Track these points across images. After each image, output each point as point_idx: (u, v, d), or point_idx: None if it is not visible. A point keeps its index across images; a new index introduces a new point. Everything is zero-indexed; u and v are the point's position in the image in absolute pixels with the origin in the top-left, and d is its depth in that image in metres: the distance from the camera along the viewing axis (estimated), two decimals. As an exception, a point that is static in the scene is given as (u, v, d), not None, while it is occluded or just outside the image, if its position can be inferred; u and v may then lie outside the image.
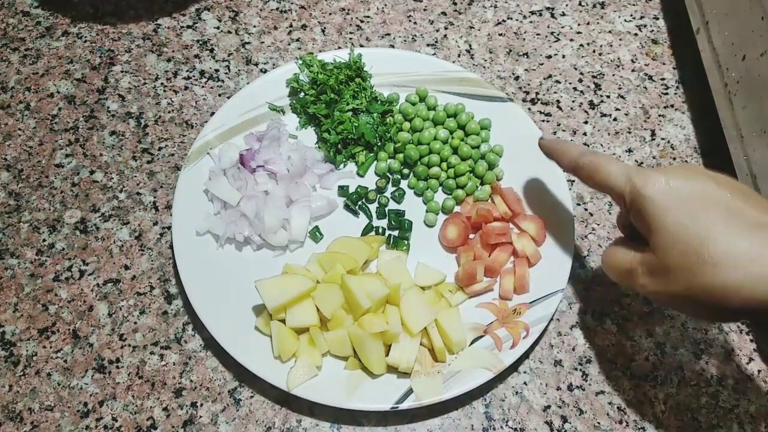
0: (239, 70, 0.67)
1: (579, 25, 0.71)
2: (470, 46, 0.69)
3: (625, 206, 0.42)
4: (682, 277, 0.37)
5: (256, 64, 0.67)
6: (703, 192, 0.38)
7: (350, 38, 0.69)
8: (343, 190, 0.59)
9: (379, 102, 0.61)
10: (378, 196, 0.59)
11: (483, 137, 0.60)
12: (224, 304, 0.51)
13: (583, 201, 0.61)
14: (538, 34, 0.70)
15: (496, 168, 0.59)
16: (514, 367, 0.52)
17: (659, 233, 0.38)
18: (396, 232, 0.57)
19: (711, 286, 0.36)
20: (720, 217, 0.36)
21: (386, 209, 0.58)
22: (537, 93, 0.66)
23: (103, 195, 0.59)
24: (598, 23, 0.72)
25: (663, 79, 0.68)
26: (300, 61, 0.62)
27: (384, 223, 0.58)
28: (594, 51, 0.70)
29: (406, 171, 0.60)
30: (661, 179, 0.39)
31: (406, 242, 0.56)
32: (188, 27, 0.69)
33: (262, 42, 0.69)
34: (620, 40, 0.70)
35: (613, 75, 0.68)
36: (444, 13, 0.72)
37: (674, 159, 0.63)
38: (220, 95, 0.65)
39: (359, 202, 0.58)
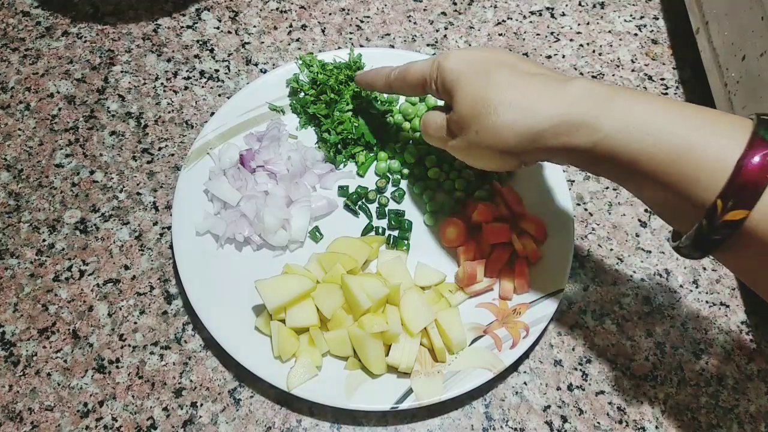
0: (239, 70, 0.67)
1: (579, 25, 0.71)
2: (470, 46, 0.69)
3: (435, 86, 0.46)
4: (474, 123, 0.42)
5: (256, 64, 0.67)
6: (491, 57, 0.44)
7: (350, 38, 0.69)
8: (343, 190, 0.59)
9: (379, 102, 0.61)
10: (378, 196, 0.59)
11: None
12: (224, 304, 0.51)
13: (583, 201, 0.61)
14: (538, 34, 0.70)
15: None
16: (514, 367, 0.52)
17: (456, 93, 0.43)
18: (396, 232, 0.57)
19: (494, 126, 0.41)
20: (506, 72, 0.42)
21: (386, 209, 0.58)
22: (537, 93, 0.66)
23: (103, 195, 0.59)
24: (598, 23, 0.72)
25: (663, 79, 0.68)
26: (300, 61, 0.62)
27: (384, 223, 0.58)
28: (594, 51, 0.70)
29: (406, 171, 0.60)
30: (458, 51, 0.45)
31: (406, 242, 0.56)
32: (188, 27, 0.69)
33: (262, 42, 0.69)
34: (620, 40, 0.70)
35: (613, 75, 0.68)
36: (444, 13, 0.72)
37: (674, 159, 0.63)
38: (220, 95, 0.65)
39: (359, 202, 0.58)
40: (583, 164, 0.40)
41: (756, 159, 0.32)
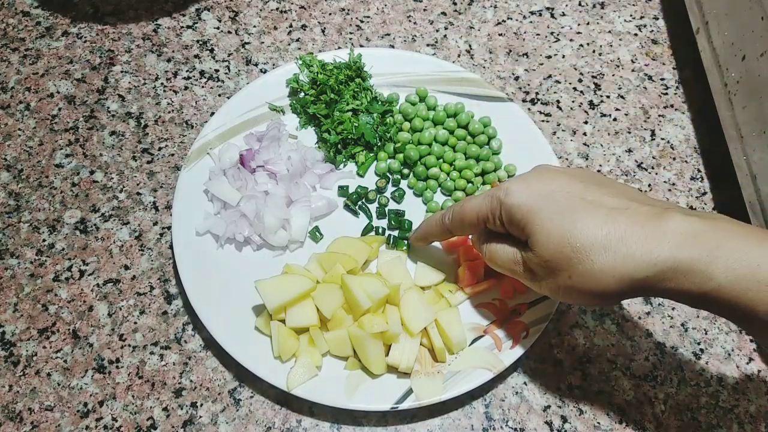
0: (239, 70, 0.67)
1: (579, 25, 0.71)
2: (470, 46, 0.69)
3: (502, 224, 0.44)
4: (564, 268, 0.40)
5: (256, 64, 0.67)
6: (560, 189, 0.41)
7: (350, 38, 0.69)
8: (343, 190, 0.59)
9: (379, 102, 0.61)
10: (378, 196, 0.59)
11: (490, 134, 0.60)
12: (224, 304, 0.51)
13: (583, 201, 0.61)
14: (538, 34, 0.70)
15: (500, 169, 0.59)
16: (514, 367, 0.52)
17: (534, 234, 0.41)
18: (396, 232, 0.57)
19: (590, 272, 0.38)
20: (581, 209, 0.39)
21: (386, 209, 0.58)
22: (537, 93, 0.66)
23: (103, 195, 0.59)
24: (598, 23, 0.72)
25: (663, 79, 0.68)
26: (300, 61, 0.62)
27: (384, 223, 0.58)
28: (594, 51, 0.70)
29: (406, 171, 0.60)
30: (520, 186, 0.42)
31: (406, 242, 0.56)
32: (188, 27, 0.69)
33: (262, 42, 0.69)
34: (620, 40, 0.70)
35: (613, 75, 0.68)
36: (444, 13, 0.72)
37: (674, 159, 0.63)
38: (220, 95, 0.65)
39: (359, 202, 0.58)
40: (693, 305, 0.38)
41: None
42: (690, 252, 0.36)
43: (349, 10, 0.71)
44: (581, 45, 0.70)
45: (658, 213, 0.38)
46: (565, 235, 0.39)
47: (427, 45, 0.69)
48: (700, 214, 0.38)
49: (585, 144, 0.64)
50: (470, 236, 0.50)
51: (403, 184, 0.60)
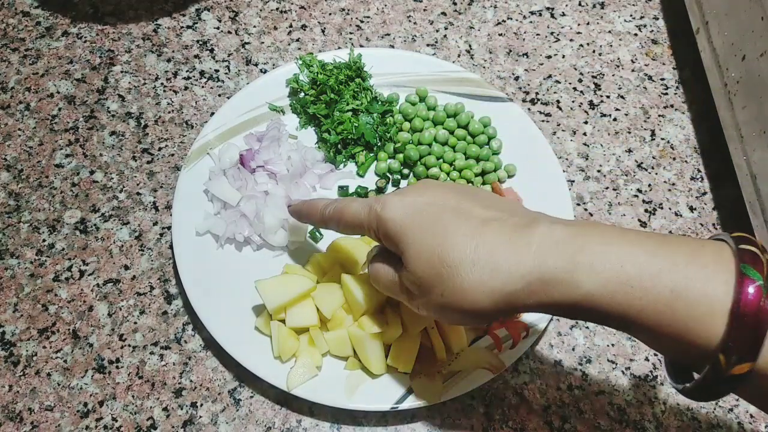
0: (239, 70, 0.67)
1: (579, 25, 0.71)
2: (470, 46, 0.69)
3: (376, 236, 0.42)
4: (435, 285, 0.38)
5: (256, 64, 0.67)
6: (434, 202, 0.39)
7: (350, 38, 0.69)
8: (343, 190, 0.59)
9: (379, 102, 0.61)
10: (378, 196, 0.59)
11: (490, 134, 0.60)
12: (224, 304, 0.51)
13: (582, 201, 0.61)
14: (538, 34, 0.70)
15: (500, 169, 0.59)
16: (514, 367, 0.52)
17: (406, 250, 0.39)
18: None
19: (461, 288, 0.37)
20: (451, 221, 0.38)
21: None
22: (537, 93, 0.66)
23: (103, 195, 0.59)
24: (598, 23, 0.72)
25: (663, 79, 0.68)
26: (300, 61, 0.62)
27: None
28: (594, 51, 0.70)
29: (406, 171, 0.60)
30: (396, 199, 0.41)
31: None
32: (188, 27, 0.69)
33: (262, 42, 0.69)
34: (620, 40, 0.70)
35: (613, 75, 0.68)
36: (444, 13, 0.72)
37: (674, 159, 0.63)
38: (220, 95, 0.65)
39: (359, 202, 0.58)
40: (572, 317, 0.37)
41: (748, 308, 0.30)
42: (554, 260, 0.34)
43: (349, 10, 0.71)
44: (581, 45, 0.70)
45: (525, 223, 0.37)
46: (435, 251, 0.37)
47: (427, 45, 0.69)
48: (568, 222, 0.37)
49: (585, 144, 0.64)
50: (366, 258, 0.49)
51: (403, 184, 0.60)
